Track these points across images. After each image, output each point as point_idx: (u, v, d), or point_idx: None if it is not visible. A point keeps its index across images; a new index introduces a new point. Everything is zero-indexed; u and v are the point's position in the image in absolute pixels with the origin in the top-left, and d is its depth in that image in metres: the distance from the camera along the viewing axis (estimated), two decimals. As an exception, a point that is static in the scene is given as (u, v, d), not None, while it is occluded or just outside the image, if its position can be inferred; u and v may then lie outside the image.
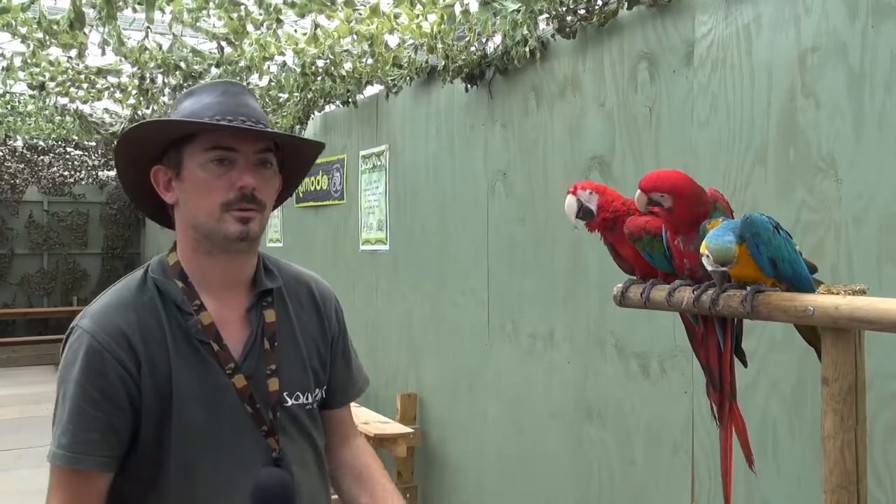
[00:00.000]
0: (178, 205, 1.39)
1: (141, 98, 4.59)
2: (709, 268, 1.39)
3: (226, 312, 1.40)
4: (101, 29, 3.11)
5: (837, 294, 1.31)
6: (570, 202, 1.71)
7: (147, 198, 1.43)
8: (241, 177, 1.32)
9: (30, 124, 6.23)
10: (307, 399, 1.46)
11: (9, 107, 5.51)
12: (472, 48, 3.49)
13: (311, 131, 5.78)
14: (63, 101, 5.01)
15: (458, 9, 2.98)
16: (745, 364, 1.66)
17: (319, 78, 4.10)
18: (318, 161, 6.13)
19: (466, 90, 3.69)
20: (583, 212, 1.71)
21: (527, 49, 3.08)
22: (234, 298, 1.42)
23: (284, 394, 1.41)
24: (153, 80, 4.18)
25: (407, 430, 4.03)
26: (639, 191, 1.56)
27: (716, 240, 1.38)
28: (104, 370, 1.30)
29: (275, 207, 1.49)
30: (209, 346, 1.36)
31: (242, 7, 3.02)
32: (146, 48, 3.65)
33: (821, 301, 1.32)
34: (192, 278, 1.39)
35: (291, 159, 1.48)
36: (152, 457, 1.33)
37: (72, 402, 1.31)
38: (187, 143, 1.34)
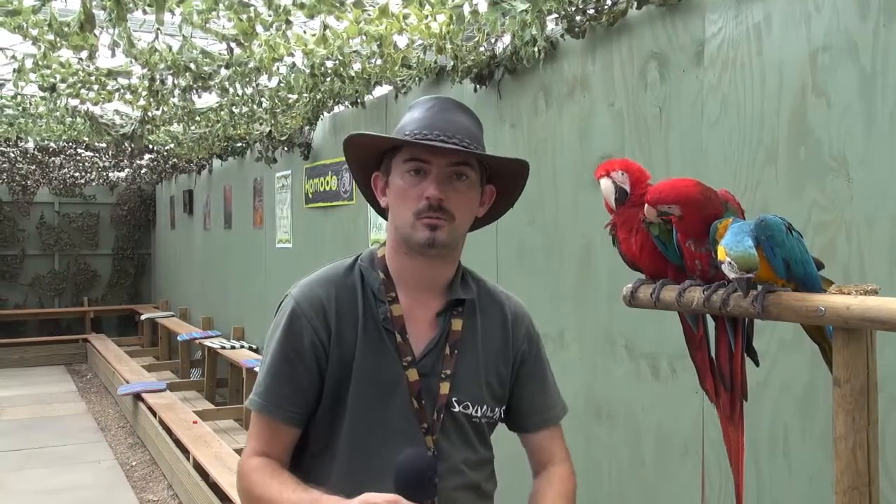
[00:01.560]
0: (388, 208, 1.52)
1: (151, 99, 4.60)
2: (732, 275, 1.38)
3: (417, 311, 1.50)
4: (111, 31, 3.11)
5: (849, 294, 1.31)
6: (607, 185, 1.65)
7: (374, 198, 1.57)
8: (428, 187, 1.42)
9: (41, 126, 6.25)
10: (476, 412, 1.50)
11: (20, 108, 5.53)
12: (481, 48, 3.49)
13: (320, 132, 5.79)
14: (74, 102, 5.02)
15: (466, 9, 2.97)
16: (756, 363, 1.65)
17: (328, 79, 4.10)
18: (328, 161, 6.12)
19: (475, 90, 3.69)
20: (619, 193, 1.64)
21: (536, 49, 3.07)
22: (427, 300, 1.52)
23: (453, 399, 1.47)
24: (163, 82, 4.19)
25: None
26: (647, 205, 1.55)
27: (736, 246, 1.36)
28: (301, 334, 1.45)
29: (488, 222, 1.60)
30: (393, 336, 1.46)
31: (252, 8, 3.03)
32: (156, 50, 3.65)
33: (832, 301, 1.31)
34: (392, 273, 1.51)
35: (498, 175, 1.54)
36: (328, 422, 1.45)
37: (271, 359, 1.47)
38: (395, 155, 1.47)
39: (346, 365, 1.44)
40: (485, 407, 1.51)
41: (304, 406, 1.45)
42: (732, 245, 1.36)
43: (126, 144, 6.99)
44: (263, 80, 4.27)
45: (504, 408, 1.57)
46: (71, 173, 10.76)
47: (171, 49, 3.75)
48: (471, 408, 1.49)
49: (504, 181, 1.56)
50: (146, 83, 4.27)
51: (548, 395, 1.63)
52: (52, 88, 4.25)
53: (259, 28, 3.19)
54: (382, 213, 1.56)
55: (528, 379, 1.60)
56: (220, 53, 3.84)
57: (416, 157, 1.44)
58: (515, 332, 1.59)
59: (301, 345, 1.44)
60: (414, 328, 1.49)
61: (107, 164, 10.04)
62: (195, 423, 5.90)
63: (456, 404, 1.48)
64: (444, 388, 1.47)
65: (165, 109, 5.16)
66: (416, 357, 1.47)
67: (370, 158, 1.53)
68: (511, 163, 1.54)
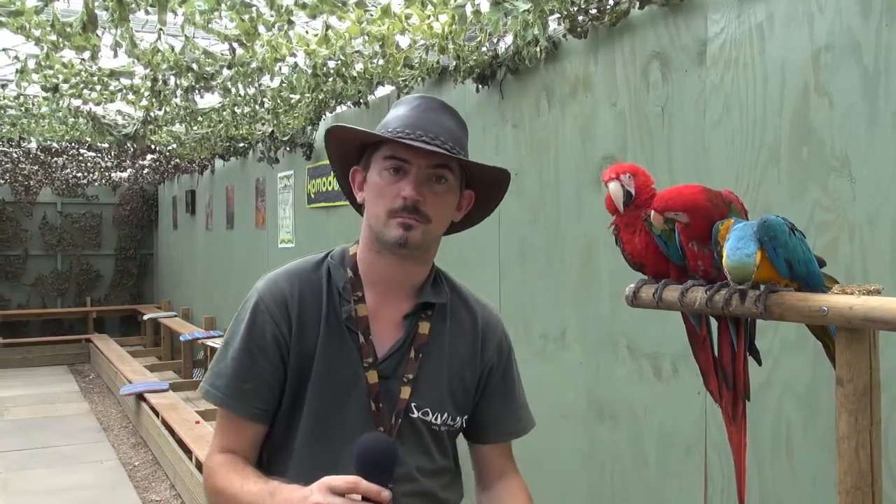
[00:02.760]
0: (364, 204, 1.49)
1: (153, 100, 4.61)
2: (732, 283, 1.39)
3: (384, 311, 1.47)
4: (113, 31, 3.12)
5: (852, 294, 1.30)
6: (616, 188, 1.64)
7: (351, 193, 1.55)
8: (406, 187, 1.39)
9: (43, 126, 6.26)
10: (436, 419, 1.47)
11: (23, 109, 5.54)
12: (484, 48, 3.49)
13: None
14: (76, 103, 5.03)
15: (469, 9, 2.97)
16: (759, 362, 1.65)
17: (331, 79, 4.10)
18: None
19: (478, 90, 3.69)
20: (625, 197, 1.64)
21: (538, 49, 3.07)
22: (395, 301, 1.48)
23: (413, 405, 1.44)
24: (165, 82, 4.19)
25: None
26: (653, 212, 1.55)
27: (734, 254, 1.35)
28: (263, 328, 1.43)
29: (465, 227, 1.57)
30: (356, 336, 1.43)
31: (254, 9, 3.03)
32: (158, 50, 3.66)
33: (835, 301, 1.31)
34: (362, 272, 1.48)
35: (479, 181, 1.52)
36: (287, 419, 1.44)
37: (234, 352, 1.44)
38: (375, 150, 1.44)
39: (307, 361, 1.42)
40: (445, 415, 1.48)
41: (269, 402, 1.43)
42: (731, 253, 1.35)
43: (128, 145, 7.00)
44: (266, 80, 4.28)
45: (466, 417, 1.54)
46: (73, 173, 10.78)
47: (173, 49, 3.76)
48: (430, 414, 1.46)
49: (484, 188, 1.53)
50: (148, 83, 4.28)
51: (510, 411, 1.59)
52: (55, 89, 4.25)
53: (261, 28, 3.19)
54: (359, 208, 1.54)
55: (494, 392, 1.56)
56: (222, 54, 3.85)
57: (397, 156, 1.41)
58: (486, 343, 1.55)
59: (263, 339, 1.42)
60: (379, 329, 1.46)
61: (109, 164, 10.05)
62: (197, 422, 5.90)
63: (415, 410, 1.44)
64: (405, 392, 1.44)
65: (168, 110, 5.16)
66: (379, 359, 1.44)
67: (351, 152, 1.50)
68: (493, 171, 1.51)
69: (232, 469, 1.40)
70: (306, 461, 1.40)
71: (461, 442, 1.59)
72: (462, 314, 1.55)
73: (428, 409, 1.46)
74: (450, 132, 1.44)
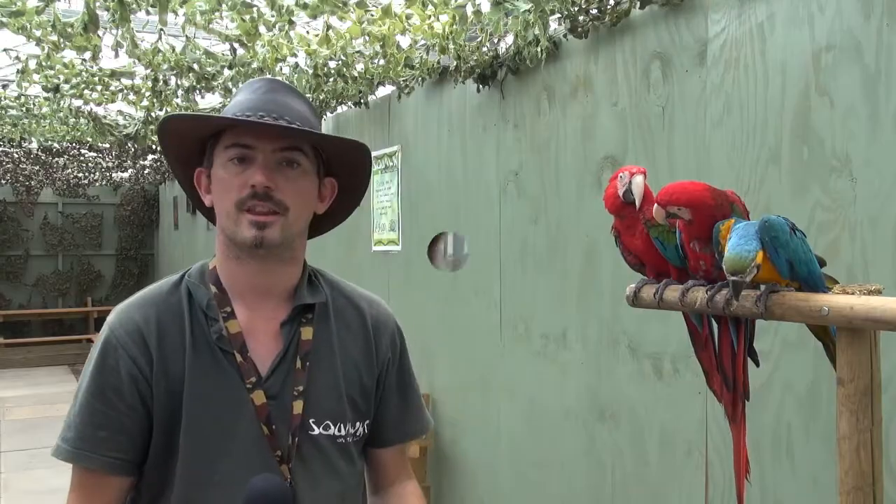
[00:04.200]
0: (214, 207, 1.33)
1: (154, 100, 4.62)
2: (729, 277, 1.39)
3: (258, 323, 1.32)
4: (114, 31, 3.12)
5: (853, 294, 1.30)
6: (641, 181, 1.64)
7: (199, 199, 1.38)
8: (254, 175, 1.24)
9: (44, 126, 6.27)
10: (339, 431, 1.33)
11: (24, 109, 5.55)
12: (484, 48, 3.49)
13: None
14: (77, 103, 5.04)
15: (469, 9, 2.98)
16: (756, 364, 1.65)
17: (331, 79, 4.10)
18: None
19: (478, 90, 3.69)
20: (629, 197, 1.66)
21: (539, 49, 3.07)
22: (269, 309, 1.33)
23: (310, 420, 1.30)
24: (166, 82, 4.20)
25: (419, 430, 4.02)
26: (656, 205, 1.55)
27: (733, 249, 1.35)
28: (117, 366, 1.25)
29: (336, 222, 1.46)
30: (232, 357, 1.28)
31: (255, 9, 3.04)
32: (159, 50, 3.67)
33: (836, 301, 1.31)
34: (226, 284, 1.33)
35: (338, 165, 1.38)
36: (161, 465, 1.27)
37: (83, 397, 1.28)
38: (217, 143, 1.29)
39: (176, 396, 1.25)
40: (347, 425, 1.34)
41: (130, 451, 1.26)
42: (732, 248, 1.36)
43: (129, 145, 7.01)
44: (266, 80, 4.27)
45: (368, 422, 1.40)
46: (74, 174, 10.80)
47: (174, 49, 3.76)
48: (332, 427, 1.31)
49: (347, 173, 1.39)
50: (149, 84, 4.29)
51: (409, 410, 1.46)
52: (56, 89, 4.26)
53: (262, 28, 3.20)
54: (212, 216, 1.37)
55: (392, 391, 1.43)
56: (223, 54, 3.85)
57: (239, 143, 1.25)
58: (378, 339, 1.42)
59: (118, 379, 1.24)
60: (256, 344, 1.30)
61: (110, 164, 10.06)
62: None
63: (314, 426, 1.30)
64: (297, 407, 1.28)
65: (169, 110, 5.16)
66: (263, 376, 1.28)
67: (192, 150, 1.33)
68: (348, 145, 1.36)
69: None
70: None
71: None
72: (348, 312, 1.41)
73: (329, 422, 1.32)
74: (298, 113, 1.30)
